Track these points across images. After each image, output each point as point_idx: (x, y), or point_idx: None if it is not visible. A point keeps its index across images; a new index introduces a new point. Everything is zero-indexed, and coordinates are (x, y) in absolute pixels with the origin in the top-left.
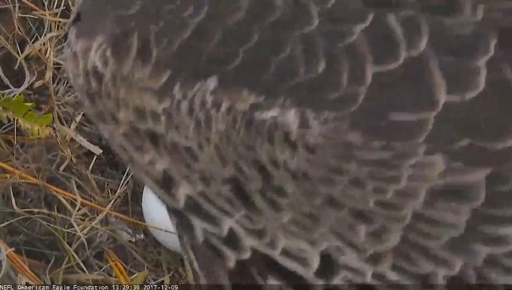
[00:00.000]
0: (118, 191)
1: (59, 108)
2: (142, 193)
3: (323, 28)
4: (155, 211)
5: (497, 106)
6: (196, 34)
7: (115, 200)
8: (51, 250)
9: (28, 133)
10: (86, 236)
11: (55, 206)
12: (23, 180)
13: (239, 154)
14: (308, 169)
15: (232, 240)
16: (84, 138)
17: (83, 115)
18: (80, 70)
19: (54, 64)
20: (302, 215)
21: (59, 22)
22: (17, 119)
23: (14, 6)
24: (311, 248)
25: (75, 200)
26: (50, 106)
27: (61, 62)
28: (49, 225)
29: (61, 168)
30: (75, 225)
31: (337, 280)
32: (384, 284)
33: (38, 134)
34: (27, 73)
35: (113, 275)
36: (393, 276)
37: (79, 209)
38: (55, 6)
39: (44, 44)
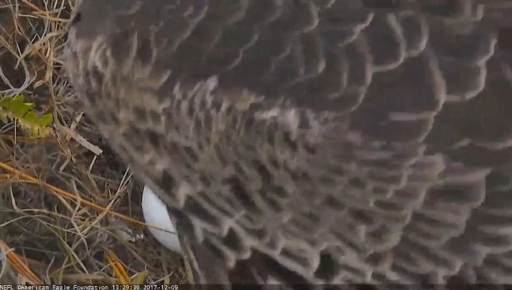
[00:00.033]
0: (118, 191)
1: (59, 108)
2: (142, 193)
3: (323, 28)
4: (155, 211)
5: (497, 106)
6: (196, 34)
7: (115, 200)
8: (51, 250)
9: (28, 133)
10: (86, 236)
11: (55, 206)
12: (23, 180)
13: (239, 154)
14: (308, 169)
15: (232, 240)
16: (84, 138)
17: (83, 115)
18: (80, 70)
19: (54, 64)
20: (302, 215)
21: (59, 22)
22: (17, 119)
23: (14, 6)
24: (311, 248)
25: (75, 200)
26: (50, 106)
27: (61, 62)
28: (49, 225)
29: (61, 168)
30: (75, 225)
31: (337, 280)
32: (384, 284)
33: (38, 134)
34: (27, 73)
35: (113, 275)
36: (393, 276)
37: (79, 209)
38: (55, 6)
39: (44, 44)
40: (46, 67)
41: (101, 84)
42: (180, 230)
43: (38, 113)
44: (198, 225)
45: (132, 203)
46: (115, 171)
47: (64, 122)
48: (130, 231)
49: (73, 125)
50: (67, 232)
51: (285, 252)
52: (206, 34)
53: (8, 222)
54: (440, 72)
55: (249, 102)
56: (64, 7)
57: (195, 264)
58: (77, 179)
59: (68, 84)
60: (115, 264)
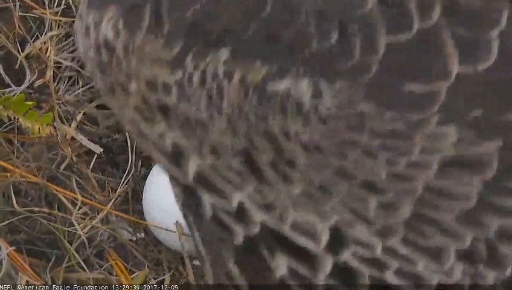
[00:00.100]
0: (119, 190)
1: (59, 107)
2: (142, 192)
3: None
4: (156, 210)
5: (510, 78)
6: (208, 5)
7: (116, 199)
8: (52, 249)
9: (29, 132)
10: (86, 235)
11: (56, 205)
12: (23, 179)
13: (250, 126)
14: (320, 140)
15: (241, 215)
16: (84, 136)
17: (84, 113)
18: (91, 42)
19: (54, 63)
20: (312, 188)
21: (60, 20)
22: (18, 118)
23: (15, 5)
24: (321, 222)
25: (76, 199)
26: (50, 105)
27: (62, 61)
28: (49, 224)
29: (62, 167)
30: (75, 223)
31: (346, 255)
32: (394, 259)
33: (39, 133)
34: (28, 72)
35: (114, 274)
36: (403, 250)
37: (79, 208)
38: (55, 5)
39: (44, 43)
40: (46, 66)
41: (113, 56)
42: (185, 209)
43: (39, 112)
44: (207, 200)
45: (133, 202)
46: (115, 170)
47: (65, 121)
48: (130, 229)
49: (73, 124)
50: (68, 231)
51: (295, 226)
52: (218, 6)
53: (9, 221)
54: (453, 43)
55: (261, 73)
56: (65, 6)
57: (201, 246)
58: (78, 178)
59: (69, 83)
60: (116, 263)
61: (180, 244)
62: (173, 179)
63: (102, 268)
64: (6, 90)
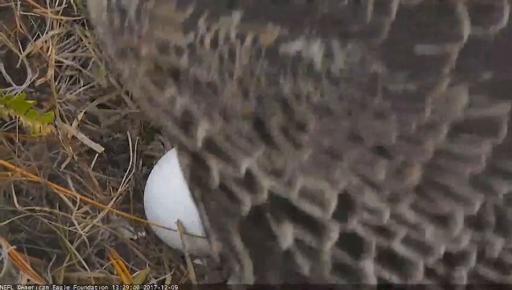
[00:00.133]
0: (120, 189)
1: (61, 106)
2: (143, 191)
3: None
4: (157, 208)
5: None
6: None
7: (117, 198)
8: (53, 248)
9: (30, 131)
10: (87, 234)
11: (57, 204)
12: (24, 178)
13: (262, 88)
14: (331, 101)
15: (249, 182)
16: (85, 135)
17: (85, 113)
18: (104, 6)
19: (55, 62)
20: (322, 152)
21: (61, 19)
22: (19, 117)
23: (16, 4)
24: (330, 187)
25: (77, 198)
26: (52, 104)
27: (63, 60)
28: (50, 223)
29: (63, 166)
30: (76, 223)
31: (353, 222)
32: (401, 226)
33: (40, 132)
34: (29, 71)
35: (115, 273)
36: (411, 216)
37: (80, 207)
38: (56, 4)
39: (46, 42)
40: (47, 65)
41: (125, 20)
42: (193, 184)
43: (40, 111)
44: (215, 167)
45: (134, 201)
46: (116, 169)
47: (66, 120)
48: (131, 228)
49: (74, 123)
50: (69, 230)
51: (303, 193)
52: None
53: (10, 220)
54: (464, 6)
55: (273, 34)
56: (66, 5)
57: (206, 222)
58: (79, 177)
59: (70, 82)
60: (117, 262)
61: (181, 243)
62: (182, 149)
63: (103, 267)
64: (7, 89)
